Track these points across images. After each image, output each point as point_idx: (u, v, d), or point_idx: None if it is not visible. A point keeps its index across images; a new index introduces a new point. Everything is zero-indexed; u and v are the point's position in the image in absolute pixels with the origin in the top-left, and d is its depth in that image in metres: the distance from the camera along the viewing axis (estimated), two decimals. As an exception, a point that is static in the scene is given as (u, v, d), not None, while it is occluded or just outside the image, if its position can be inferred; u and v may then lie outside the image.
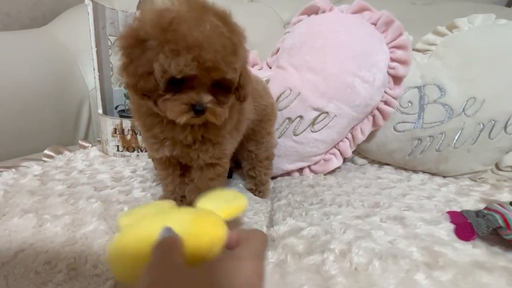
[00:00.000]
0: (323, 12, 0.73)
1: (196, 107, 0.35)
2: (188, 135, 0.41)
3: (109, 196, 0.49)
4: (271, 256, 0.38)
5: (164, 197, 0.49)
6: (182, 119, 0.35)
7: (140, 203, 0.48)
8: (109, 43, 0.79)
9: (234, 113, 0.44)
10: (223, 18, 0.34)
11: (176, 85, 0.34)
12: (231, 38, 0.33)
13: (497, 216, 0.41)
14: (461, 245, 0.40)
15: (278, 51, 0.77)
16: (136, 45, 0.33)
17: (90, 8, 0.68)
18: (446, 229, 0.44)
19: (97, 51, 0.72)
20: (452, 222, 0.46)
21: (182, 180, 0.49)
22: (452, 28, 0.78)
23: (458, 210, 0.50)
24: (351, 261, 0.36)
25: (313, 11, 0.74)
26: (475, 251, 0.39)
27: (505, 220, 0.39)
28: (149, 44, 0.32)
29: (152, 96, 0.35)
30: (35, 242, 0.37)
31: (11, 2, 0.94)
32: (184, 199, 0.48)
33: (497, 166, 0.72)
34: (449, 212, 0.49)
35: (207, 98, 0.35)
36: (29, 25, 0.98)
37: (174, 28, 0.31)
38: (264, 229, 0.47)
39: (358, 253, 0.37)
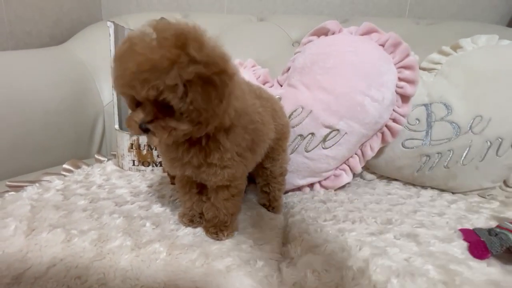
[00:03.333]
0: (333, 33, 0.76)
1: (141, 125, 0.36)
2: (193, 158, 0.42)
3: (130, 211, 0.51)
4: (291, 273, 0.39)
5: (183, 213, 0.50)
6: (136, 133, 0.37)
7: (161, 218, 0.49)
8: (127, 61, 0.82)
9: (240, 135, 0.43)
10: (162, 37, 0.32)
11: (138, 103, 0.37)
12: (149, 55, 0.31)
13: (510, 235, 0.42)
14: (476, 263, 0.41)
15: (288, 69, 0.80)
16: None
17: (111, 30, 0.72)
18: (459, 247, 0.45)
19: (116, 69, 0.75)
20: (465, 240, 0.47)
21: (200, 197, 0.51)
22: (457, 48, 0.80)
23: (470, 227, 0.51)
24: (370, 278, 0.37)
25: (323, 32, 0.77)
26: (490, 269, 0.40)
27: (518, 239, 0.40)
28: None
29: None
30: (65, 257, 0.38)
31: (32, 22, 0.98)
32: (203, 216, 0.50)
33: (505, 183, 0.73)
34: (461, 230, 0.50)
35: (146, 118, 0.35)
36: (49, 43, 1.03)
37: (118, 49, 0.35)
38: (280, 245, 0.48)
39: (376, 270, 0.38)
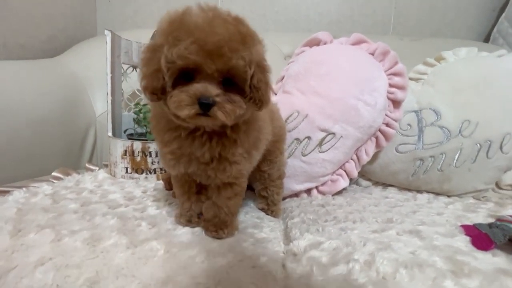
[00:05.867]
0: (324, 43, 0.79)
1: (202, 99, 0.33)
2: (206, 152, 0.40)
3: (124, 213, 0.48)
4: (296, 268, 0.37)
5: (180, 214, 0.48)
6: (184, 112, 0.33)
7: (157, 220, 0.47)
8: (122, 71, 0.83)
9: (252, 131, 0.43)
10: (233, 17, 0.34)
11: (184, 80, 0.34)
12: (239, 27, 0.33)
13: (511, 226, 0.42)
14: (481, 254, 0.41)
15: (283, 78, 0.82)
16: (149, 50, 0.35)
17: (108, 38, 0.73)
18: (463, 241, 0.45)
19: (111, 77, 0.76)
20: (467, 234, 0.47)
21: (198, 198, 0.49)
22: (440, 60, 0.85)
23: (470, 224, 0.51)
24: (377, 270, 0.36)
25: (315, 43, 0.81)
26: (496, 259, 0.40)
27: (519, 228, 0.41)
28: (158, 44, 0.34)
29: (161, 96, 0.35)
30: (55, 257, 0.35)
31: (27, 36, 0.98)
32: (201, 217, 0.48)
33: (497, 185, 0.75)
34: (462, 226, 0.50)
35: (214, 91, 0.33)
36: (42, 57, 1.02)
37: (180, 20, 0.33)
38: (282, 246, 0.46)
39: (383, 263, 0.37)
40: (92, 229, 0.41)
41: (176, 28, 0.33)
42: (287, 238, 0.49)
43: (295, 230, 0.50)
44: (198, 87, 0.33)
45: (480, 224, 0.48)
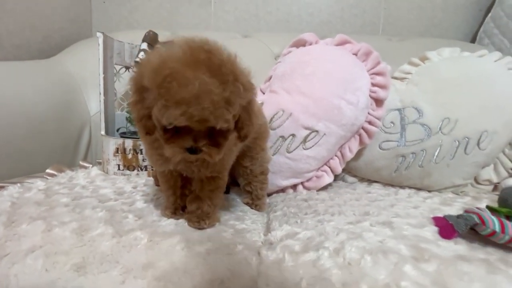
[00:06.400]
0: (310, 44, 0.82)
1: (192, 149, 0.38)
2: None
3: (113, 206, 0.51)
4: (270, 255, 0.40)
5: (166, 207, 0.51)
6: (177, 158, 0.40)
7: (144, 212, 0.50)
8: (115, 71, 0.85)
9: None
10: (217, 71, 0.35)
11: (176, 128, 0.38)
12: (222, 93, 0.35)
13: (474, 216, 0.45)
14: (445, 243, 0.44)
15: (270, 78, 0.84)
16: (140, 89, 0.38)
17: (101, 40, 0.75)
18: (430, 231, 0.47)
19: (104, 78, 0.78)
20: (436, 225, 0.49)
21: (183, 192, 0.52)
22: (424, 59, 0.88)
23: (442, 216, 0.53)
24: (345, 256, 0.39)
25: (301, 43, 0.83)
26: (457, 247, 0.42)
27: (480, 218, 0.43)
28: (149, 93, 0.37)
29: (154, 134, 0.40)
30: (44, 245, 0.38)
31: (22, 35, 1.01)
32: (186, 210, 0.51)
33: (476, 180, 0.78)
34: (433, 218, 0.53)
35: (201, 143, 0.38)
36: (38, 57, 1.05)
37: (166, 86, 0.34)
38: (262, 237, 0.49)
39: (351, 250, 0.40)
40: (81, 220, 0.44)
41: (163, 94, 0.35)
42: (268, 229, 0.52)
43: (275, 222, 0.53)
44: (188, 142, 0.38)
45: (449, 216, 0.51)
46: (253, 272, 0.36)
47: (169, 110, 0.35)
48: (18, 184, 0.57)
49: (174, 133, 0.38)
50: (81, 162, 0.81)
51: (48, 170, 0.70)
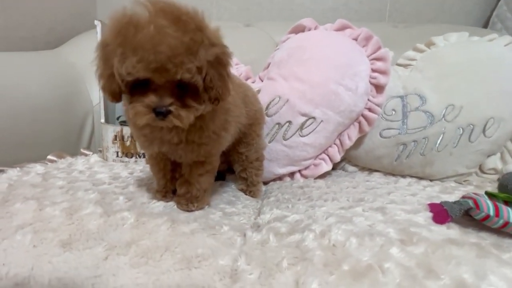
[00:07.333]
0: (309, 30, 0.80)
1: (157, 109, 0.35)
2: (174, 136, 0.43)
3: (106, 189, 0.52)
4: (255, 237, 0.40)
5: (157, 190, 0.52)
6: (142, 121, 0.36)
7: (135, 195, 0.50)
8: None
9: (219, 115, 0.45)
10: (177, 18, 0.34)
11: (141, 88, 0.36)
12: (182, 38, 0.33)
13: (469, 201, 0.43)
14: (436, 227, 0.42)
15: (269, 66, 0.83)
16: (102, 44, 0.36)
17: (98, 28, 0.76)
18: (424, 217, 0.46)
19: (103, 66, 0.79)
20: (430, 211, 0.48)
21: (173, 175, 0.53)
22: (430, 45, 0.85)
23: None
24: (330, 238, 0.38)
25: (299, 29, 0.82)
26: (449, 231, 0.41)
27: (475, 202, 0.42)
28: (109, 49, 0.35)
29: (120, 99, 0.38)
30: (34, 223, 0.39)
31: (28, 28, 1.03)
32: (176, 192, 0.51)
33: (481, 169, 0.75)
34: (429, 204, 0.51)
35: (167, 101, 0.36)
36: (43, 49, 1.07)
37: (124, 33, 0.33)
38: (252, 220, 0.49)
39: (338, 232, 0.39)
40: (73, 201, 0.45)
41: (121, 42, 0.34)
42: (258, 214, 0.52)
43: (267, 207, 0.53)
44: (152, 99, 0.36)
45: (445, 202, 0.49)
46: (236, 251, 0.36)
47: (127, 59, 0.33)
48: (18, 168, 0.59)
49: (139, 93, 0.36)
50: (82, 150, 0.83)
51: (49, 156, 0.72)
